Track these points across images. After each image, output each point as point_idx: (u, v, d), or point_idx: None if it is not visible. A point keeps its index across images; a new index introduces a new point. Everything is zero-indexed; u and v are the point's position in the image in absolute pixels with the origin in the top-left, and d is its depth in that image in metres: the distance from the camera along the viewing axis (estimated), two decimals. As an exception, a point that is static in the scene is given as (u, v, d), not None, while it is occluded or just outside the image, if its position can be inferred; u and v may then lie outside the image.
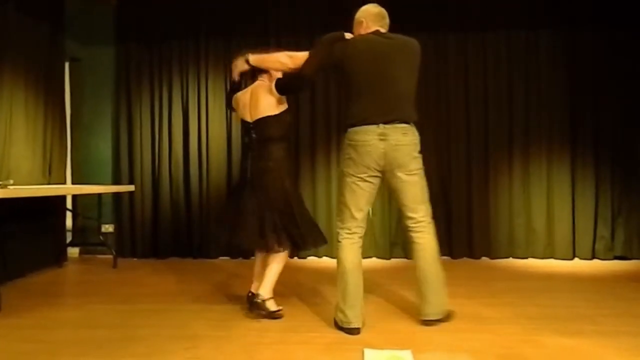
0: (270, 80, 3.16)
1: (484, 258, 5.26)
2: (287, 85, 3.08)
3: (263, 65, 3.13)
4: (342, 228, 2.92)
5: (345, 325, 2.82)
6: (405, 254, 5.31)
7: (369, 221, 5.36)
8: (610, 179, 5.22)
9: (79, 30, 5.51)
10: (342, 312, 2.83)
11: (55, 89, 5.09)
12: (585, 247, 5.20)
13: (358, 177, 2.82)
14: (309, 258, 5.34)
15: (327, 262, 5.25)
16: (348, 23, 5.27)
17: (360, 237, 2.92)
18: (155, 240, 5.52)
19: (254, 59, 3.14)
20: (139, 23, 5.57)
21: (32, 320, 3.18)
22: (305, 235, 3.15)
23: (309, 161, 5.45)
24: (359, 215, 2.88)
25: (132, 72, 5.60)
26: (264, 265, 3.27)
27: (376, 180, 2.86)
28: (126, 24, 5.60)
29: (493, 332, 2.84)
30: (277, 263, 3.11)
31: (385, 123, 2.76)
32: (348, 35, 2.92)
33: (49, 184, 4.86)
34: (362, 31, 2.93)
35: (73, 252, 5.52)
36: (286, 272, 3.30)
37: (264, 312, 3.04)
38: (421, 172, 2.89)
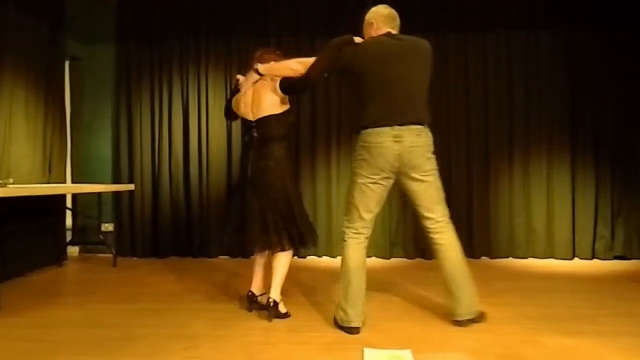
0: (273, 80, 3.14)
1: (483, 258, 5.26)
2: (291, 85, 3.07)
3: (274, 73, 3.09)
4: (348, 227, 2.90)
5: (346, 324, 2.82)
6: (405, 254, 5.32)
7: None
8: (610, 178, 5.23)
9: (79, 29, 5.51)
10: (344, 310, 2.83)
11: (55, 88, 5.08)
12: (585, 246, 5.20)
13: (370, 178, 2.81)
14: (309, 257, 5.34)
15: (327, 261, 5.26)
16: (348, 23, 5.28)
17: (366, 238, 2.91)
18: (155, 239, 5.52)
19: (264, 68, 3.12)
20: (139, 22, 5.57)
21: (32, 319, 3.18)
22: (305, 234, 3.15)
23: (309, 161, 5.45)
24: (367, 216, 2.87)
25: (132, 72, 5.60)
26: (264, 265, 3.27)
27: (388, 183, 2.86)
28: (126, 24, 5.60)
29: (493, 331, 2.84)
30: (283, 264, 3.10)
31: (399, 125, 2.75)
32: (357, 39, 2.90)
33: (48, 182, 4.86)
34: (373, 33, 2.92)
35: (73, 251, 5.52)
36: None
37: (273, 314, 3.03)
38: (436, 173, 2.89)
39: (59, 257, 5.04)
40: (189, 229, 5.50)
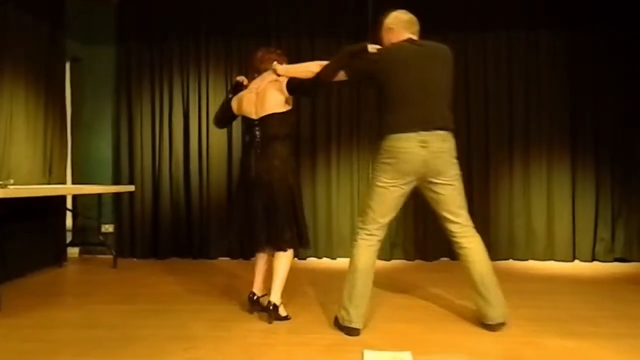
0: (279, 79, 3.13)
1: (484, 259, 5.25)
2: (300, 86, 3.06)
3: (293, 75, 3.09)
4: (362, 228, 2.90)
5: (346, 324, 2.82)
6: (405, 255, 5.32)
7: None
8: (611, 180, 5.22)
9: (79, 29, 5.51)
10: (346, 310, 2.83)
11: (56, 89, 5.09)
12: (585, 248, 5.20)
13: (391, 183, 2.81)
14: (308, 259, 5.34)
15: (326, 263, 5.26)
16: (348, 23, 5.29)
17: (379, 241, 2.90)
18: (155, 240, 5.52)
19: (283, 69, 3.12)
20: (139, 23, 5.57)
21: (32, 320, 3.18)
22: (304, 235, 3.14)
23: (309, 163, 5.44)
24: (383, 220, 2.87)
25: (133, 72, 5.59)
26: (265, 266, 3.27)
27: (408, 188, 2.86)
28: (127, 24, 5.60)
29: (493, 333, 2.84)
30: (283, 267, 3.09)
31: (424, 130, 2.75)
32: (371, 47, 2.88)
33: (49, 183, 4.87)
34: (394, 39, 2.91)
35: (73, 252, 5.52)
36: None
37: (274, 317, 3.02)
38: (460, 178, 2.92)
39: (59, 258, 5.05)
40: (189, 230, 5.50)
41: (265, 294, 3.23)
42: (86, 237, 5.48)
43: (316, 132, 5.46)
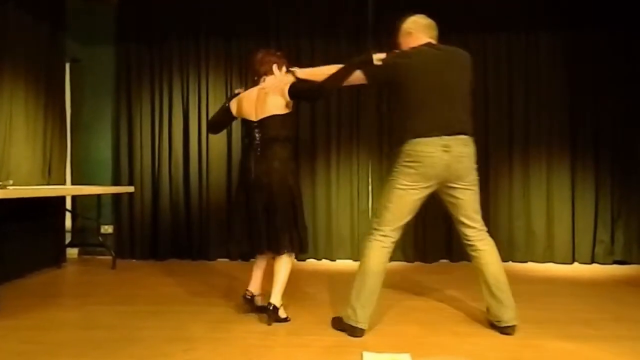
0: (281, 83, 3.12)
1: (483, 261, 5.24)
2: (302, 92, 3.04)
3: (312, 78, 3.05)
4: (377, 230, 2.88)
5: (352, 323, 2.81)
6: (404, 257, 5.31)
7: (369, 223, 5.38)
8: (610, 182, 5.21)
9: (79, 30, 5.51)
10: (353, 309, 2.83)
11: (55, 89, 5.09)
12: (584, 251, 5.19)
13: (412, 186, 2.80)
14: (308, 260, 5.33)
15: (326, 264, 5.26)
16: (348, 23, 5.26)
17: (393, 243, 2.88)
18: (154, 241, 5.51)
19: (303, 73, 3.09)
20: (139, 23, 5.56)
21: (31, 321, 3.17)
22: (303, 238, 3.13)
23: (308, 164, 5.44)
24: (399, 223, 2.86)
25: (133, 73, 5.59)
26: (264, 268, 3.26)
27: (427, 193, 2.85)
28: (126, 24, 5.60)
29: (493, 336, 2.84)
30: (284, 269, 3.08)
31: (447, 135, 2.75)
32: (376, 57, 2.86)
33: (48, 184, 4.86)
34: (412, 43, 2.91)
35: (72, 252, 5.51)
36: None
37: (273, 319, 3.02)
38: (477, 183, 2.91)
39: (58, 258, 5.04)
40: (189, 232, 5.50)
41: (261, 294, 3.23)
42: (85, 238, 5.48)
43: (316, 133, 5.46)
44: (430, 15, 3.06)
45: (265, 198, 3.05)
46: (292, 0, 5.46)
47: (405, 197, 2.82)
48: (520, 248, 5.26)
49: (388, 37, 5.22)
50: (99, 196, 5.23)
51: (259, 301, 3.25)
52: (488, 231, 2.99)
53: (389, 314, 3.27)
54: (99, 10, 5.62)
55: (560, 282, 4.36)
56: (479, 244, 2.91)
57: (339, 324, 2.91)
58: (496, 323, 2.89)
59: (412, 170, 2.78)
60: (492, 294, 2.87)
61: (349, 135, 5.42)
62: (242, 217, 3.14)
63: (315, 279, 4.39)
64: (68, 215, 5.32)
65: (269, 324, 3.00)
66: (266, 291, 3.15)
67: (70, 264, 5.20)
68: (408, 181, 2.80)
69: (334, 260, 5.34)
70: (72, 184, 5.50)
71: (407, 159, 2.80)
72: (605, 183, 5.22)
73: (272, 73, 3.18)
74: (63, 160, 5.19)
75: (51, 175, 4.93)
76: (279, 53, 3.31)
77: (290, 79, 3.08)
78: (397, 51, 2.94)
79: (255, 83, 3.25)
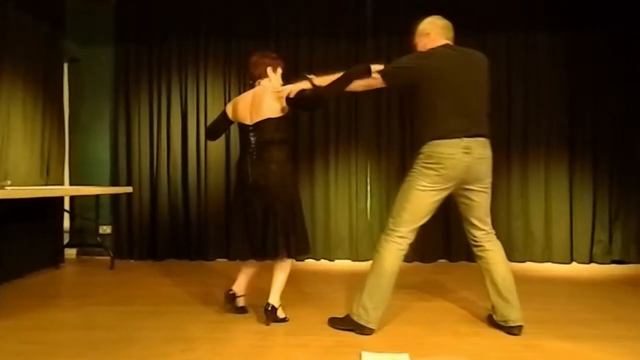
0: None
1: (482, 261, 5.25)
2: (301, 101, 3.02)
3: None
4: (393, 230, 2.86)
5: (363, 323, 2.82)
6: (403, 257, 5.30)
7: (367, 223, 5.41)
8: (608, 182, 5.22)
9: (78, 30, 5.49)
10: (365, 309, 2.83)
11: (54, 90, 5.07)
12: (583, 251, 5.20)
13: (431, 187, 2.79)
14: (307, 261, 5.32)
15: (325, 264, 5.25)
16: (348, 23, 5.25)
17: (409, 245, 2.89)
18: (152, 241, 5.50)
19: (319, 80, 3.03)
20: (138, 23, 5.56)
21: (29, 321, 3.17)
22: (301, 241, 3.12)
23: (307, 165, 5.43)
24: (416, 224, 2.86)
25: (131, 73, 5.58)
26: (254, 271, 3.25)
27: (445, 194, 2.85)
28: (125, 24, 5.59)
29: (491, 336, 2.84)
30: (284, 271, 3.08)
31: (467, 137, 2.77)
32: (374, 67, 2.86)
33: (46, 184, 4.85)
34: (430, 44, 2.90)
35: (70, 253, 5.50)
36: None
37: (272, 319, 3.01)
38: (490, 185, 2.95)
39: (57, 259, 5.03)
40: (187, 232, 5.49)
41: (244, 295, 3.24)
42: (84, 239, 5.47)
43: (315, 134, 5.45)
44: (430, 15, 3.06)
45: (264, 201, 3.03)
46: (292, 0, 5.46)
47: (424, 198, 2.81)
48: (518, 248, 5.26)
49: (388, 37, 5.23)
50: (97, 196, 5.22)
51: (240, 302, 3.25)
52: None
53: (388, 314, 3.25)
54: (98, 10, 5.61)
55: (558, 282, 4.36)
56: (487, 245, 2.93)
57: (344, 323, 2.90)
58: (502, 323, 2.89)
59: (432, 172, 2.77)
60: (500, 294, 2.87)
61: (347, 136, 5.42)
62: (240, 222, 3.12)
63: (314, 279, 4.39)
64: (66, 216, 5.30)
65: (268, 324, 3.00)
66: (265, 292, 3.13)
67: (69, 265, 5.19)
68: (428, 182, 2.79)
69: (333, 261, 5.33)
70: (71, 184, 5.49)
71: (427, 160, 2.79)
72: (603, 183, 5.22)
73: (266, 76, 3.19)
74: (61, 160, 5.17)
75: (49, 175, 4.92)
76: (273, 55, 3.30)
77: (279, 88, 3.07)
78: (415, 53, 2.93)
79: (252, 86, 3.26)
